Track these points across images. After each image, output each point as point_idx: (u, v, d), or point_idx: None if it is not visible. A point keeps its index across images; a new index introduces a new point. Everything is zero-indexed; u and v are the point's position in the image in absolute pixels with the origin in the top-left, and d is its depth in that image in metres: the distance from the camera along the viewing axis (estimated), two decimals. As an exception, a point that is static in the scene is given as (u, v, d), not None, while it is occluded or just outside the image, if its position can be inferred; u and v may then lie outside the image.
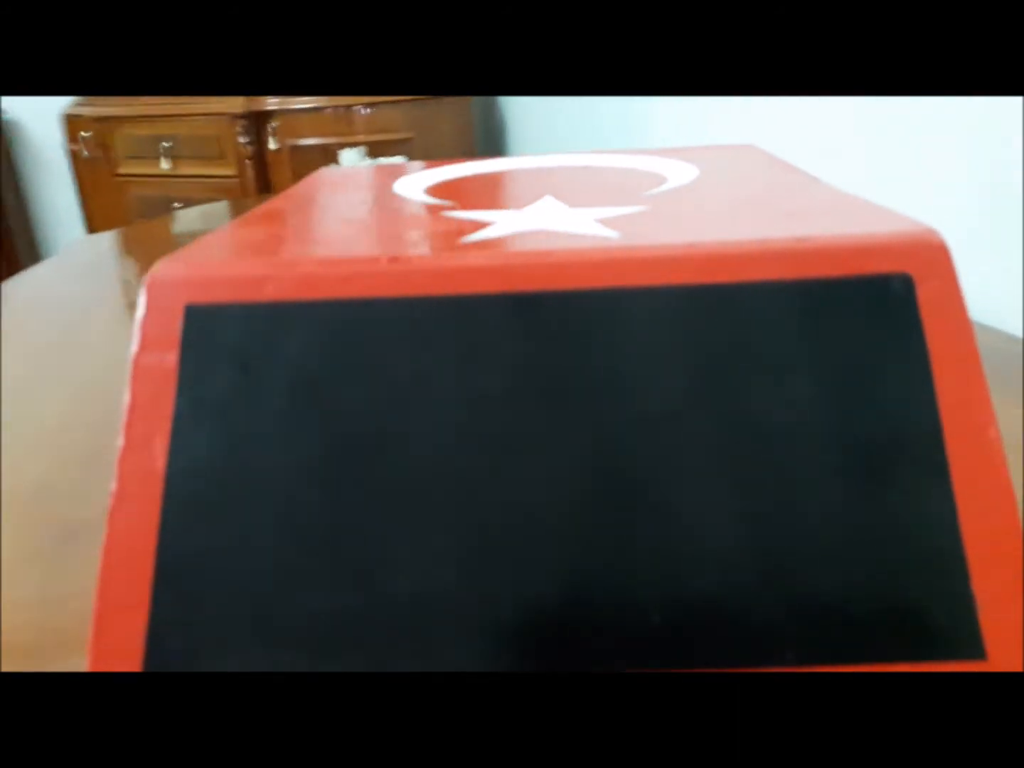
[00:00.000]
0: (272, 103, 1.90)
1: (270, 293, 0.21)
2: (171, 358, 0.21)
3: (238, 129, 1.93)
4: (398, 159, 1.71)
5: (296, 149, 1.94)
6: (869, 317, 0.21)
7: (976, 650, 0.19)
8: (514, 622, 0.20)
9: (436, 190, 0.32)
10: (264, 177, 1.96)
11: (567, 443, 0.20)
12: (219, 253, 0.23)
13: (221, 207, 1.32)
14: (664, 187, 0.30)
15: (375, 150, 1.78)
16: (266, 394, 0.21)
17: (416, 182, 0.34)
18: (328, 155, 1.82)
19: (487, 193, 0.31)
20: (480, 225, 0.25)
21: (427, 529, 0.20)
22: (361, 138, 1.86)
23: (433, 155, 1.81)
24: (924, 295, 0.21)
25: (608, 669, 0.19)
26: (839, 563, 0.20)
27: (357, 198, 0.31)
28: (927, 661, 0.19)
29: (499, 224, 0.25)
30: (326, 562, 0.20)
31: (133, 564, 0.20)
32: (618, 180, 0.32)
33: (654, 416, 0.20)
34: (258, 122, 1.93)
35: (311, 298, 0.21)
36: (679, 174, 0.32)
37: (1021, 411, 0.39)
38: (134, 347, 0.21)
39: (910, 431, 0.20)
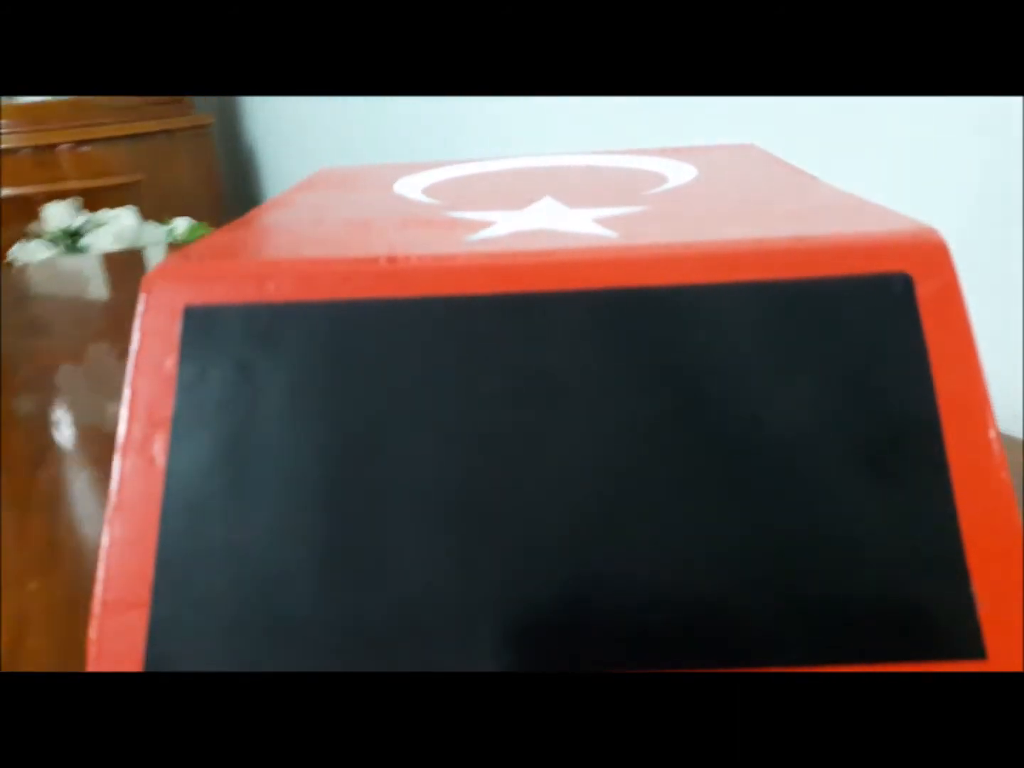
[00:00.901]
0: None
1: (270, 294, 0.21)
2: (171, 359, 0.21)
3: None
4: (124, 211, 1.44)
5: None
6: (868, 317, 0.21)
7: (977, 649, 0.19)
8: (514, 623, 0.20)
9: (436, 190, 0.32)
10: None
11: (567, 444, 0.20)
12: (218, 254, 0.23)
13: None
14: (664, 187, 0.30)
15: (93, 199, 1.49)
16: (265, 394, 0.21)
17: (416, 182, 0.34)
18: (29, 210, 1.49)
19: (487, 193, 0.31)
20: (480, 225, 0.25)
21: (427, 530, 0.20)
22: (73, 185, 1.54)
23: (169, 200, 1.55)
24: (924, 294, 0.21)
25: (607, 669, 0.19)
26: (838, 562, 0.20)
27: (356, 198, 0.31)
28: (927, 661, 0.19)
29: (499, 224, 0.25)
30: (326, 563, 0.20)
31: (133, 565, 0.20)
32: (618, 180, 0.32)
33: (653, 416, 0.20)
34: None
35: (310, 299, 0.21)
36: (679, 174, 0.32)
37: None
38: (133, 347, 0.22)
39: (910, 431, 0.20)
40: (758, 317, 0.21)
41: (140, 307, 0.22)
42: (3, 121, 1.55)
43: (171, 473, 0.21)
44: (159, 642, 0.20)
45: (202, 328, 0.21)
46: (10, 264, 1.37)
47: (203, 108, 1.79)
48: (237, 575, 0.20)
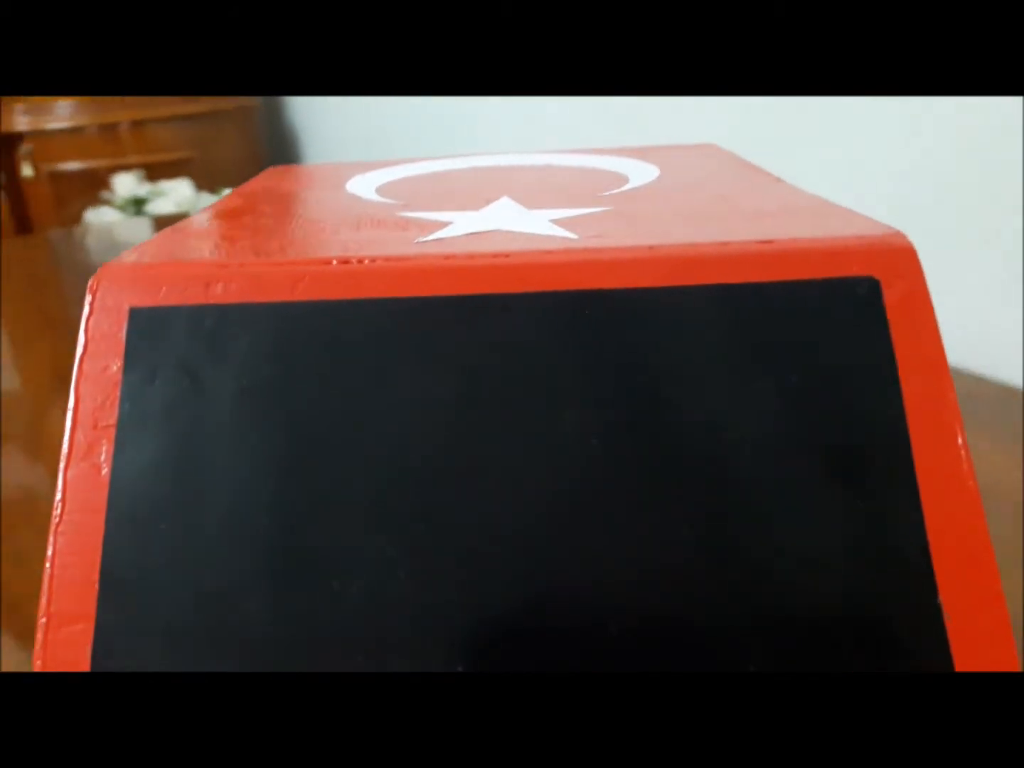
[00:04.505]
0: (22, 123, 1.68)
1: (217, 295, 0.21)
2: (115, 363, 0.21)
3: (-21, 157, 1.70)
4: (182, 182, 1.64)
5: (57, 176, 1.72)
6: (834, 321, 0.20)
7: (943, 660, 0.19)
8: (469, 629, 0.19)
9: (390, 189, 0.32)
10: (20, 211, 1.73)
11: (523, 448, 0.20)
12: (165, 254, 0.23)
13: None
14: (625, 187, 0.30)
15: (152, 173, 1.68)
16: (214, 399, 0.21)
17: (370, 181, 0.33)
18: (96, 181, 1.67)
19: (442, 193, 0.30)
20: (434, 226, 0.24)
21: (379, 535, 0.20)
22: (133, 159, 1.71)
23: (219, 175, 1.69)
24: (891, 299, 0.20)
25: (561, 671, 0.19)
26: (802, 571, 0.19)
27: (309, 196, 0.31)
28: (893, 671, 0.19)
29: (454, 225, 0.24)
30: (276, 570, 0.20)
31: (78, 576, 0.20)
32: (578, 180, 0.32)
33: (613, 421, 0.20)
34: (5, 147, 1.70)
35: (260, 300, 0.21)
36: (640, 174, 0.32)
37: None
38: (78, 351, 0.21)
39: (877, 437, 0.20)
40: (721, 321, 0.20)
41: (85, 309, 0.21)
42: (72, 101, 1.72)
43: (116, 480, 0.20)
44: (105, 654, 0.20)
45: (148, 330, 0.21)
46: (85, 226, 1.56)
47: (249, 91, 1.90)
48: (185, 585, 0.20)
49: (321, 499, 0.20)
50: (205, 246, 0.23)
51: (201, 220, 0.27)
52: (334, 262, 0.21)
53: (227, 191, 1.51)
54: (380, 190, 0.32)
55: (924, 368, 0.20)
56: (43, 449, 0.54)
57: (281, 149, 1.99)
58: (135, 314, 0.21)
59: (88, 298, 0.21)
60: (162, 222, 1.32)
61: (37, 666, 0.20)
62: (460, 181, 0.33)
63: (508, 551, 0.20)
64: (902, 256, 0.21)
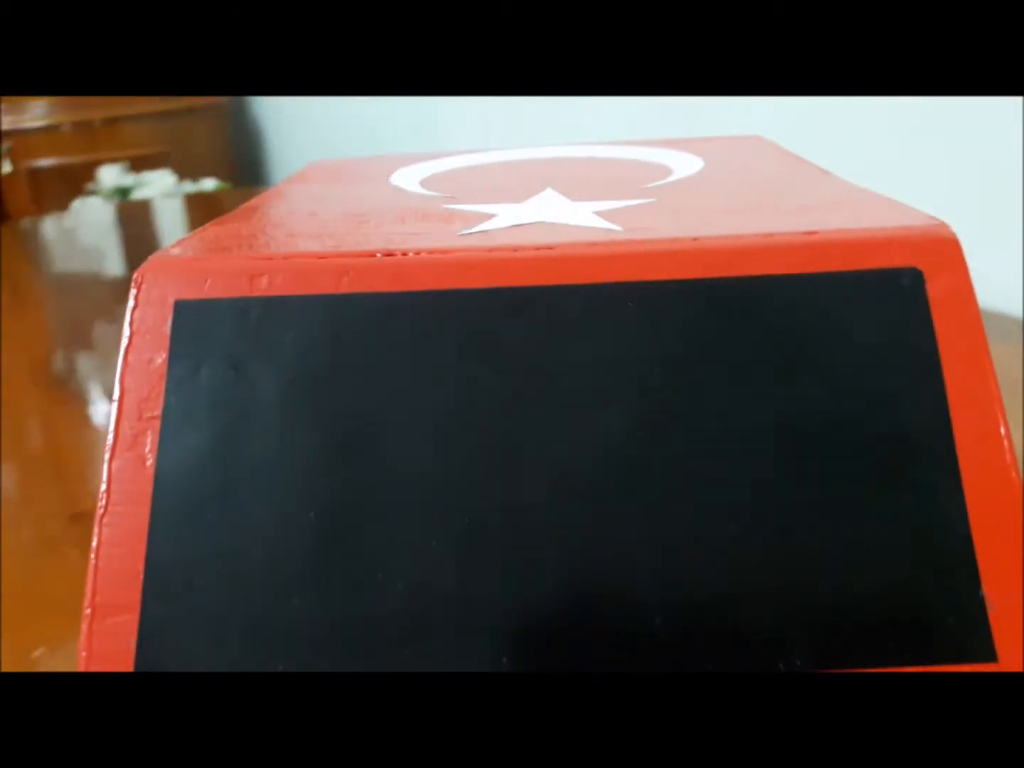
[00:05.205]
0: (5, 122, 1.72)
1: (263, 288, 0.21)
2: (161, 355, 0.21)
3: (-40, 154, 1.78)
4: (164, 172, 1.71)
5: (35, 172, 1.77)
6: (878, 312, 0.20)
7: (987, 653, 0.19)
8: (514, 624, 0.19)
9: (434, 182, 0.32)
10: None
11: (568, 440, 0.20)
12: (211, 247, 0.23)
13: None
14: (669, 179, 0.30)
15: (131, 167, 1.73)
16: (258, 391, 0.21)
17: (414, 173, 0.33)
18: (72, 176, 1.72)
19: (486, 186, 0.30)
20: (478, 218, 0.24)
21: (424, 529, 0.20)
22: (106, 155, 1.75)
23: (192, 169, 1.75)
24: (934, 290, 0.20)
25: (608, 671, 0.19)
26: (847, 564, 0.19)
27: (352, 191, 0.31)
28: (937, 664, 0.19)
29: (498, 217, 0.24)
30: (320, 563, 0.20)
31: (123, 567, 0.20)
32: (621, 172, 0.32)
33: (658, 414, 0.20)
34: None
35: (305, 293, 0.21)
36: (684, 166, 0.32)
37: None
38: (123, 343, 0.21)
39: (919, 429, 0.20)
40: (765, 312, 0.20)
41: (130, 301, 0.21)
42: (47, 100, 1.78)
43: (161, 472, 0.20)
44: (149, 645, 0.20)
45: (193, 323, 0.21)
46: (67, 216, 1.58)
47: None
48: (229, 577, 0.20)
49: (366, 492, 0.20)
50: (250, 240, 0.23)
51: (245, 214, 0.27)
52: (379, 255, 0.21)
53: (209, 181, 1.55)
54: (424, 183, 0.32)
55: (967, 359, 0.20)
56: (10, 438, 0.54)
57: (245, 140, 2.04)
58: (180, 307, 0.21)
59: (133, 291, 0.21)
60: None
61: (82, 657, 0.20)
62: (504, 174, 0.33)
63: (552, 545, 0.20)
64: (946, 247, 0.21)
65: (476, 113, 1.15)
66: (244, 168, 2.01)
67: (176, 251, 0.22)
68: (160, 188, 1.66)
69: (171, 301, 0.21)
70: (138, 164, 1.74)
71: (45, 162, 1.77)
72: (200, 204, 1.40)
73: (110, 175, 1.70)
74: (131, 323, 0.21)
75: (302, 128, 1.76)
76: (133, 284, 0.21)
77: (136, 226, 1.23)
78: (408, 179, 0.32)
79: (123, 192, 1.67)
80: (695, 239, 0.21)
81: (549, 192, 0.28)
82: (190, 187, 1.69)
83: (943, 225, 0.21)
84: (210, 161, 1.82)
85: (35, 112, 1.77)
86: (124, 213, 1.34)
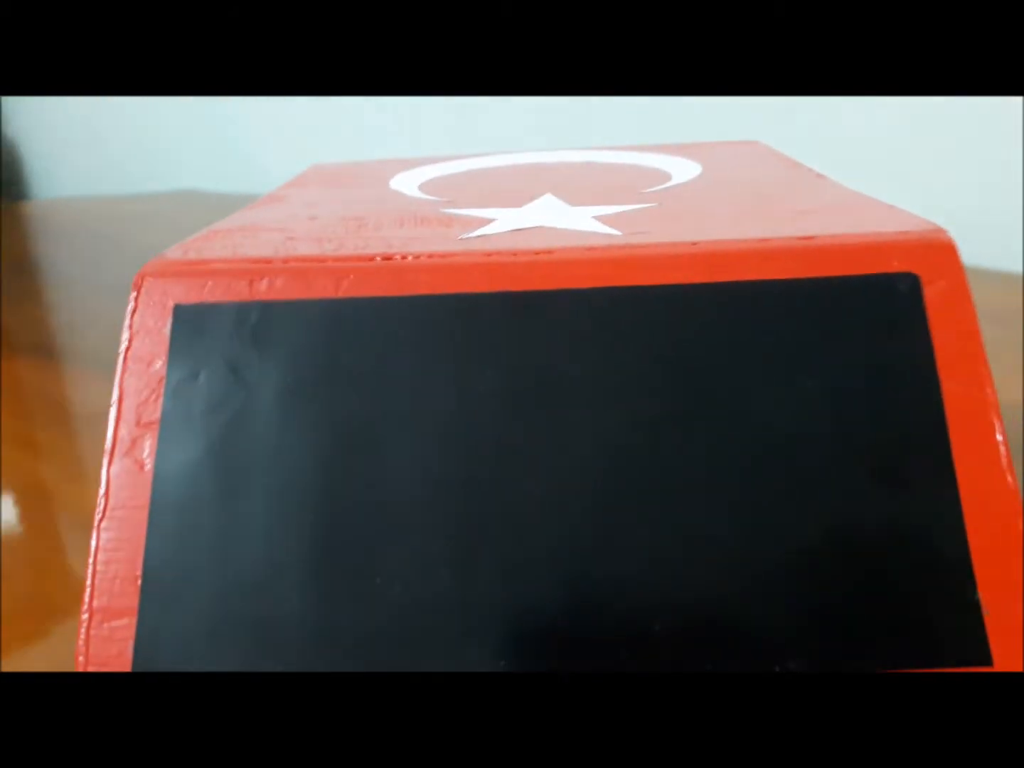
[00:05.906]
0: None
1: (262, 292, 0.21)
2: (159, 359, 0.21)
3: None
4: None
5: None
6: (874, 317, 0.20)
7: (982, 656, 0.19)
8: (513, 626, 0.19)
9: (433, 186, 0.32)
10: None
11: (567, 445, 0.20)
12: (210, 250, 0.23)
13: None
14: (667, 184, 0.30)
15: None
16: (257, 395, 0.21)
17: (413, 178, 0.34)
18: None
19: (485, 190, 0.30)
20: (478, 222, 0.24)
21: (422, 532, 0.20)
22: None
23: None
24: (931, 295, 0.20)
25: (607, 670, 0.19)
26: (843, 567, 0.19)
27: (351, 194, 0.31)
28: (932, 668, 0.19)
29: (497, 222, 0.24)
30: (319, 567, 0.20)
31: (122, 572, 0.20)
32: (620, 177, 0.32)
33: (655, 417, 0.20)
34: None
35: (304, 297, 0.21)
36: (683, 171, 0.32)
37: None
38: (122, 347, 0.21)
39: (916, 433, 0.20)
40: (762, 317, 0.20)
41: (130, 305, 0.21)
42: None
43: (159, 477, 0.20)
44: (147, 650, 0.20)
45: (192, 327, 0.21)
46: None
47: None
48: (228, 581, 0.20)
49: (364, 496, 0.20)
50: (249, 243, 0.23)
51: (244, 218, 0.27)
52: (378, 259, 0.21)
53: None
54: (423, 187, 0.32)
55: (963, 365, 0.20)
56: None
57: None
58: (180, 310, 0.21)
59: (132, 294, 0.21)
60: None
61: (79, 662, 0.20)
62: (503, 178, 0.33)
63: (552, 548, 0.20)
64: (943, 253, 0.21)
65: (472, 116, 1.15)
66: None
67: (176, 254, 0.22)
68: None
69: (170, 304, 0.21)
70: None
71: None
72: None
73: None
74: (130, 326, 0.21)
75: (59, 135, 1.68)
76: (132, 287, 0.21)
77: None
78: (407, 183, 0.33)
79: None
80: (694, 244, 0.21)
81: (548, 197, 0.28)
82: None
83: (940, 230, 0.21)
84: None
85: None
86: None
